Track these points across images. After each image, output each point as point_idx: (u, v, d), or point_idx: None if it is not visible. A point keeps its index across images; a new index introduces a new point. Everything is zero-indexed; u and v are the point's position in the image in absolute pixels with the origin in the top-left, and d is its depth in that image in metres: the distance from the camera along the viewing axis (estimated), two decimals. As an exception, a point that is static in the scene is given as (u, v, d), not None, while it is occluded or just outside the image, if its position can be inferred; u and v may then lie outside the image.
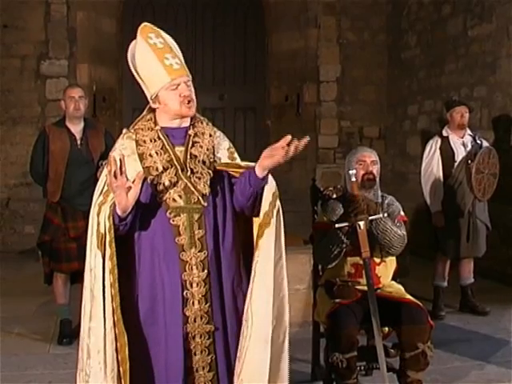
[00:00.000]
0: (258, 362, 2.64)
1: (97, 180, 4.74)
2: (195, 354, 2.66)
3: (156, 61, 2.64)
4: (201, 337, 2.66)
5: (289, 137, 2.52)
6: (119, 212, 2.52)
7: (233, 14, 9.62)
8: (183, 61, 2.73)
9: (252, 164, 2.67)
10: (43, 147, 4.98)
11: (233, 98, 9.60)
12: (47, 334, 5.13)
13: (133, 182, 2.49)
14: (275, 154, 2.53)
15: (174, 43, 2.76)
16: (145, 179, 2.60)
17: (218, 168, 2.73)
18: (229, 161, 2.78)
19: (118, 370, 2.57)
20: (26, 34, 8.40)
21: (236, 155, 2.85)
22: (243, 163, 2.75)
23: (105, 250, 2.55)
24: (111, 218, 2.54)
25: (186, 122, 2.75)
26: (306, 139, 2.51)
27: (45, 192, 5.07)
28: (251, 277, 2.67)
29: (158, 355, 2.64)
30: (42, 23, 8.44)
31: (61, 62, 8.49)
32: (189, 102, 2.66)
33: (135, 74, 2.73)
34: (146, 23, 2.75)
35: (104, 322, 2.55)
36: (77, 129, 5.02)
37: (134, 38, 2.75)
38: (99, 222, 2.57)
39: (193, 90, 2.70)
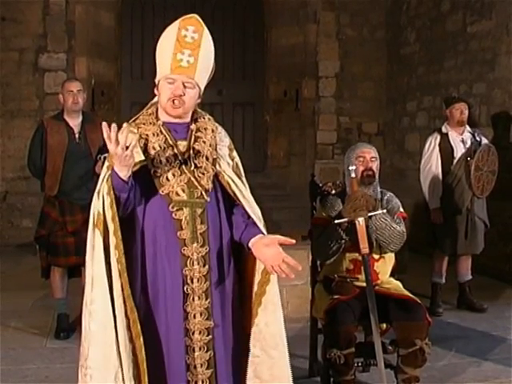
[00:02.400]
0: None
1: (95, 174, 4.75)
2: (194, 351, 2.64)
3: (170, 51, 2.62)
4: (200, 333, 2.65)
5: (293, 241, 2.62)
6: (121, 173, 2.46)
7: (232, 9, 9.59)
8: (207, 66, 2.68)
9: (248, 208, 2.69)
10: (41, 140, 4.96)
11: (231, 93, 9.57)
12: (44, 328, 5.11)
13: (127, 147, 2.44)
14: (273, 251, 2.59)
15: (210, 46, 2.69)
16: (148, 172, 2.60)
17: (220, 179, 2.70)
18: (229, 160, 2.77)
19: (133, 347, 2.53)
20: (25, 27, 8.37)
21: (235, 154, 2.83)
22: (241, 197, 2.71)
23: (107, 226, 2.52)
24: (111, 192, 2.50)
25: (186, 118, 2.73)
26: (299, 268, 2.60)
27: (42, 186, 5.06)
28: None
29: (159, 352, 2.63)
30: (41, 16, 8.41)
31: (59, 56, 8.46)
32: (177, 102, 2.62)
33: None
34: (194, 15, 2.68)
35: (112, 303, 2.50)
36: (75, 122, 5.01)
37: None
38: (100, 201, 2.54)
39: (192, 94, 2.65)
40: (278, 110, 9.43)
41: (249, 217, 2.71)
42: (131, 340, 2.54)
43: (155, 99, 2.76)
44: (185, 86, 2.63)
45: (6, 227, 8.44)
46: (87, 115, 5.21)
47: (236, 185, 2.71)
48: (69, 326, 4.95)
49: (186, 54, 2.62)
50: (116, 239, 2.52)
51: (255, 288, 2.74)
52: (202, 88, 2.72)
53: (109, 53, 8.93)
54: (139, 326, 2.55)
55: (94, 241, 2.55)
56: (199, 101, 2.74)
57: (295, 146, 9.29)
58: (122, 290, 2.52)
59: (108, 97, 8.89)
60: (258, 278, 2.74)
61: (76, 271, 4.96)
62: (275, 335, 2.73)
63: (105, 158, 2.77)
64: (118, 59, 9.13)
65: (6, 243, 8.14)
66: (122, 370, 2.52)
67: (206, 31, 2.68)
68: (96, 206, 2.57)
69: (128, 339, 2.53)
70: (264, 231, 2.70)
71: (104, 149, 4.63)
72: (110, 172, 2.54)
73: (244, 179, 2.80)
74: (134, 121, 2.74)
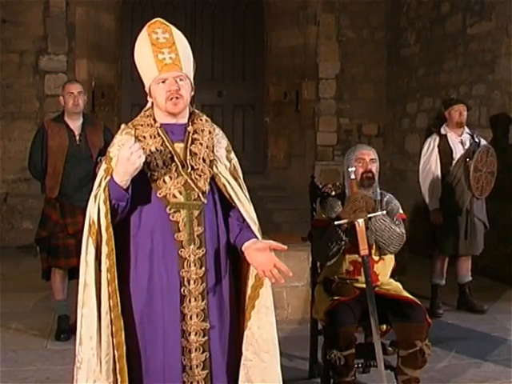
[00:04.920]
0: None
1: (95, 176, 4.75)
2: (190, 352, 2.65)
3: (150, 55, 2.65)
4: (196, 334, 2.65)
5: (285, 247, 2.64)
6: (123, 182, 2.50)
7: (232, 10, 9.61)
8: (188, 57, 2.71)
9: (242, 208, 2.69)
10: (42, 143, 4.98)
11: (231, 94, 9.59)
12: (45, 330, 5.12)
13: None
14: (265, 257, 2.61)
15: (183, 39, 2.73)
16: (145, 175, 2.60)
17: (216, 181, 2.71)
18: (227, 162, 2.77)
19: (114, 355, 2.57)
20: (25, 29, 8.40)
21: (232, 155, 2.83)
22: (237, 199, 2.71)
23: (101, 235, 2.55)
24: (108, 202, 2.53)
25: (184, 119, 2.73)
26: (289, 274, 2.63)
27: (43, 188, 5.07)
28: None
29: (156, 353, 2.64)
30: (41, 18, 8.44)
31: (59, 58, 8.49)
32: (176, 98, 2.63)
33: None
34: (158, 19, 2.75)
35: (99, 308, 2.55)
36: (75, 124, 5.02)
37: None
38: (95, 209, 2.57)
39: (186, 86, 2.67)
40: (278, 111, 9.45)
41: (244, 220, 2.71)
42: (114, 348, 2.57)
43: (148, 105, 2.76)
44: (176, 81, 2.65)
45: (7, 229, 8.45)
46: (88, 117, 5.22)
47: (232, 187, 2.72)
48: (69, 328, 4.94)
49: (165, 53, 2.65)
50: (108, 248, 2.55)
51: (249, 291, 2.76)
52: (192, 78, 2.73)
53: (109, 55, 8.95)
54: (123, 336, 2.57)
55: (87, 248, 2.59)
56: (193, 93, 2.74)
57: (295, 148, 9.30)
58: (109, 299, 2.55)
59: (108, 99, 8.90)
60: (251, 281, 2.75)
61: (77, 273, 4.92)
62: (267, 339, 2.74)
63: (104, 159, 2.77)
64: (119, 61, 9.14)
65: (6, 245, 8.15)
66: (100, 376, 2.56)
67: (174, 28, 2.73)
68: (91, 212, 2.59)
69: (111, 347, 2.57)
70: (258, 235, 2.70)
71: (104, 150, 4.66)
72: (107, 177, 2.56)
73: (241, 181, 2.80)
74: (132, 123, 2.75)
